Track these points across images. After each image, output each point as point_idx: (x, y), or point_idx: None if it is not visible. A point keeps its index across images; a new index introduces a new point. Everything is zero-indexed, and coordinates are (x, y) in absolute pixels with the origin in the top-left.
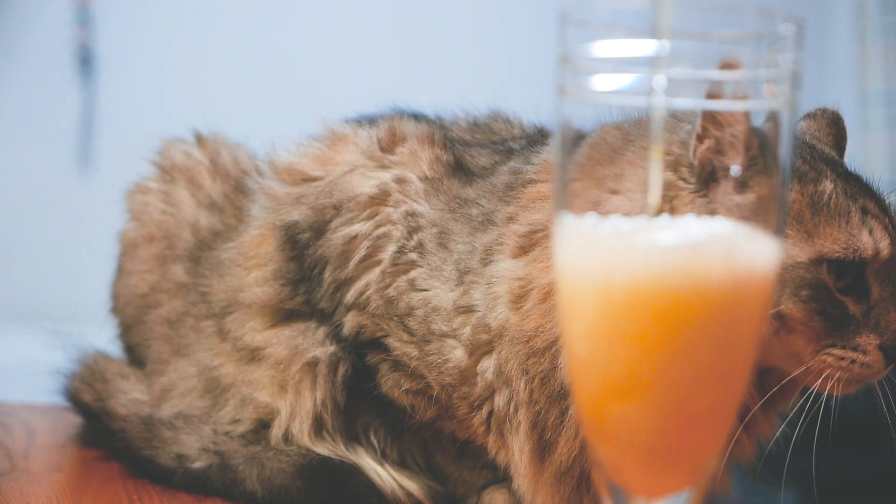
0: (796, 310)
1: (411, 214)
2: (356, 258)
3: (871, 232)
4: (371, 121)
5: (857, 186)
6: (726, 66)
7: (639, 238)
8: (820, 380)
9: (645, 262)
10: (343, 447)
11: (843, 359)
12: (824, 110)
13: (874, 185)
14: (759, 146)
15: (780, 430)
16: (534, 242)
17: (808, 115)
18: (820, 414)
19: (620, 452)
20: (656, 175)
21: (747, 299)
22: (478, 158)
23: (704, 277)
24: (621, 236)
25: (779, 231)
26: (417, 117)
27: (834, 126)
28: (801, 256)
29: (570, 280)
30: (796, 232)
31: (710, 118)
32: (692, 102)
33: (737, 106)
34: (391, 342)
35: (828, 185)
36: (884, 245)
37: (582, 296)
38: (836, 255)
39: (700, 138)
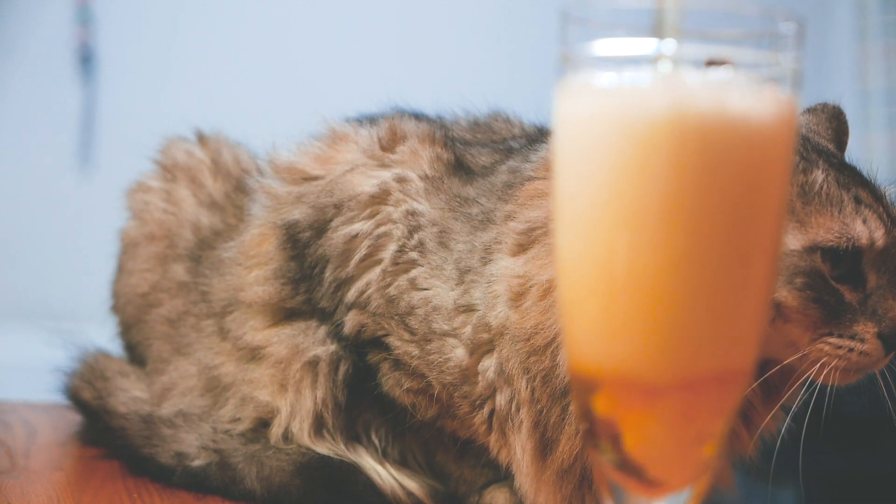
0: (791, 298)
1: (412, 213)
2: (357, 257)
3: (865, 221)
4: (371, 120)
5: (850, 176)
6: (711, 63)
7: (659, 76)
8: (816, 368)
9: (671, 95)
10: (343, 446)
11: (840, 347)
12: (825, 105)
13: (870, 176)
14: None
15: (785, 425)
16: (532, 240)
17: (809, 110)
18: (824, 411)
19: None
20: None
21: (767, 142)
22: (478, 157)
23: (723, 112)
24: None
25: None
26: (418, 116)
27: (835, 120)
28: (794, 244)
29: (583, 133)
30: (788, 221)
31: None
32: None
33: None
34: (392, 341)
35: (819, 175)
36: (879, 234)
37: (593, 146)
38: (830, 243)
39: None
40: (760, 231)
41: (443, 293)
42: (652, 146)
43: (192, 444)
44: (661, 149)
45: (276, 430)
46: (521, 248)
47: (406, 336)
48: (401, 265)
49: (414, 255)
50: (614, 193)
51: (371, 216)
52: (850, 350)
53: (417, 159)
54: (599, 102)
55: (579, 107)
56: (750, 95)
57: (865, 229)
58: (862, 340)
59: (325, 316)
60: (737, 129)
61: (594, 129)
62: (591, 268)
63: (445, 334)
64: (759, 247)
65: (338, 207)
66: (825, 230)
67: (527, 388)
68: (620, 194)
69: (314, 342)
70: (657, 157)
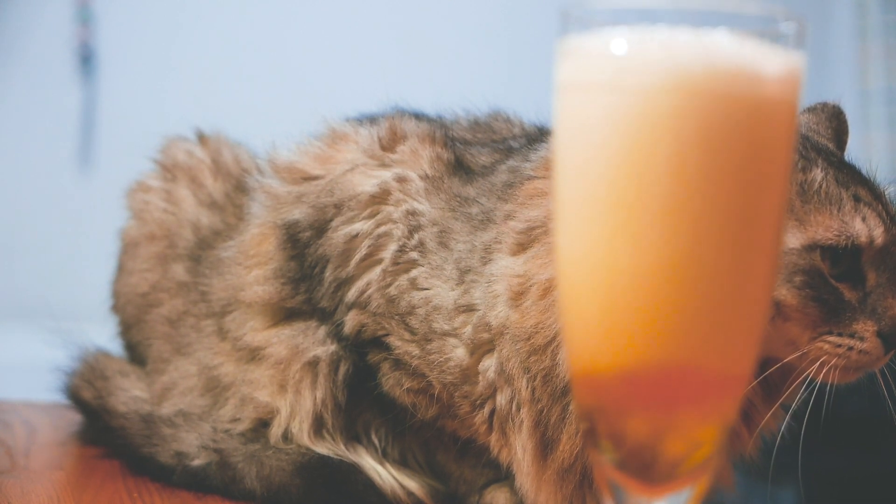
0: (790, 296)
1: (412, 213)
2: (357, 257)
3: (864, 219)
4: (372, 119)
5: (849, 175)
6: None
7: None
8: (816, 366)
9: (673, 51)
10: (343, 446)
11: (839, 346)
12: (825, 104)
13: (869, 175)
14: None
15: (785, 423)
16: (532, 239)
17: (809, 109)
18: (823, 410)
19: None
20: None
21: (771, 97)
22: (478, 157)
23: (725, 66)
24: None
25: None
26: (418, 116)
27: (835, 120)
28: (793, 243)
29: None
30: (787, 219)
31: None
32: None
33: None
34: (392, 341)
35: (818, 174)
36: (878, 232)
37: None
38: (829, 241)
39: None
40: (765, 202)
41: (443, 293)
42: (654, 107)
43: (192, 444)
44: (664, 108)
45: (275, 431)
46: (521, 248)
47: (406, 336)
48: (401, 265)
49: (414, 254)
50: (616, 158)
51: (371, 216)
52: (850, 348)
53: (418, 159)
54: (600, 65)
55: (580, 70)
56: (754, 51)
57: (864, 227)
58: (861, 339)
59: (325, 316)
60: (740, 83)
61: (596, 89)
62: (590, 261)
63: (446, 334)
64: (764, 219)
65: (338, 207)
66: (824, 228)
67: (527, 387)
68: (622, 161)
69: (314, 342)
70: (659, 119)
